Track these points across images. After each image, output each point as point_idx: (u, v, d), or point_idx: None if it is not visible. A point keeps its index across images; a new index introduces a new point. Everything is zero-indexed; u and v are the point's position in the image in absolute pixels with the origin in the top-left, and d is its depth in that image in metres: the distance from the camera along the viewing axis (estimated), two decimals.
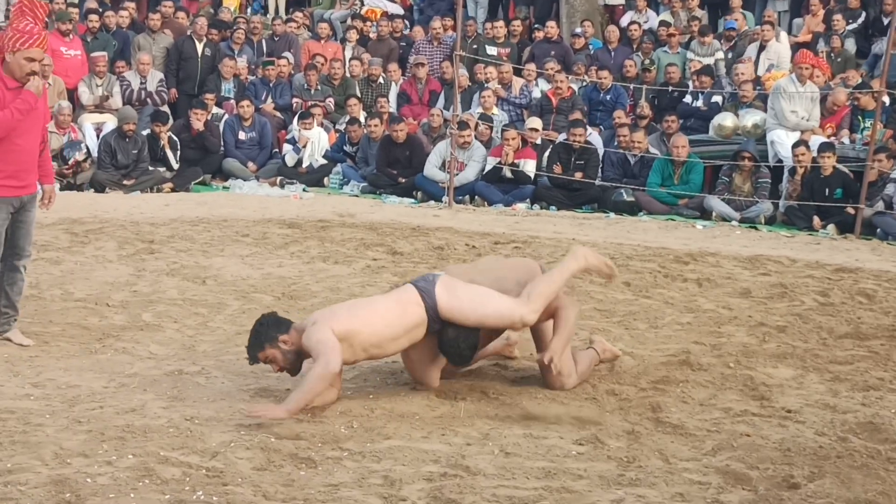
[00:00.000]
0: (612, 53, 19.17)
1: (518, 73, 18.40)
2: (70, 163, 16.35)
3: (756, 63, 18.05)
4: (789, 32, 19.51)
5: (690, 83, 17.72)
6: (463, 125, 16.27)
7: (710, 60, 18.31)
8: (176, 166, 16.93)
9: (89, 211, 13.91)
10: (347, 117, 17.97)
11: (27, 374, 7.14)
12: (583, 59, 18.90)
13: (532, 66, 18.18)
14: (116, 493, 5.09)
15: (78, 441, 5.79)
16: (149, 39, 19.03)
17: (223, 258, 11.09)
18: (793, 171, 15.08)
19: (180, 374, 7.27)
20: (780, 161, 15.58)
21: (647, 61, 18.41)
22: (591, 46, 19.66)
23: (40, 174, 8.12)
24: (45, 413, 6.31)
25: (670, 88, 17.59)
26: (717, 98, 17.20)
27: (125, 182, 16.24)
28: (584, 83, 18.21)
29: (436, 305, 6.67)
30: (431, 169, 16.29)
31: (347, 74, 19.20)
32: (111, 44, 19.03)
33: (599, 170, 16.17)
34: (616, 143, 16.37)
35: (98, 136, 17.22)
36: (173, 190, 16.50)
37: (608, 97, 17.83)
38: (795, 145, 15.07)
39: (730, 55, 18.49)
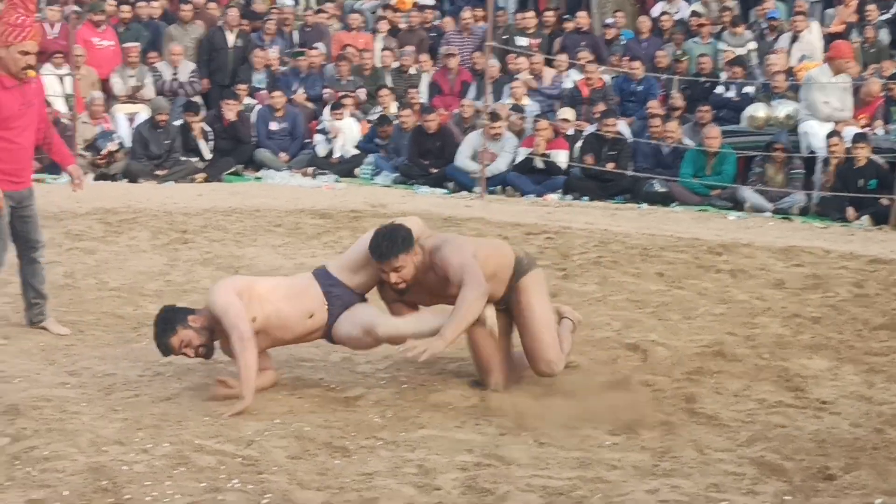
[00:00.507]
0: (644, 44, 19.09)
1: (549, 63, 18.36)
2: (103, 153, 16.43)
3: (788, 54, 17.95)
4: (822, 23, 19.38)
5: (723, 74, 17.63)
6: (495, 116, 16.26)
7: (742, 51, 18.21)
8: (208, 156, 16.99)
9: (123, 201, 13.98)
10: (379, 109, 17.99)
11: (63, 363, 7.19)
12: (619, 50, 18.85)
13: (564, 57, 18.14)
14: (153, 481, 5.12)
15: (114, 429, 5.82)
16: (180, 30, 19.08)
17: (256, 248, 11.13)
18: (826, 161, 15.01)
19: (215, 363, 7.29)
20: (813, 152, 15.49)
21: (678, 52, 18.33)
22: (622, 37, 19.59)
23: (59, 158, 8.23)
24: (81, 401, 6.34)
25: (702, 79, 17.51)
26: (749, 89, 17.11)
27: (158, 172, 16.31)
28: (616, 74, 18.16)
29: (325, 269, 6.76)
30: (463, 159, 16.29)
31: (378, 65, 19.20)
32: (143, 34, 19.09)
33: (631, 160, 16.13)
34: (647, 134, 16.32)
35: (131, 127, 17.30)
36: (206, 180, 16.56)
37: (639, 88, 17.78)
38: (828, 136, 14.98)
39: (775, 45, 18.32)
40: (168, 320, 6.58)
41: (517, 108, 17.00)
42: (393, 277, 6.53)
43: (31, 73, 7.59)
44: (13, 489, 5.00)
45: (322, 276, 6.73)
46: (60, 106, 17.22)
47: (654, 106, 16.85)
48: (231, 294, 6.49)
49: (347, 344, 6.77)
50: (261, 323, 6.56)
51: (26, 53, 7.45)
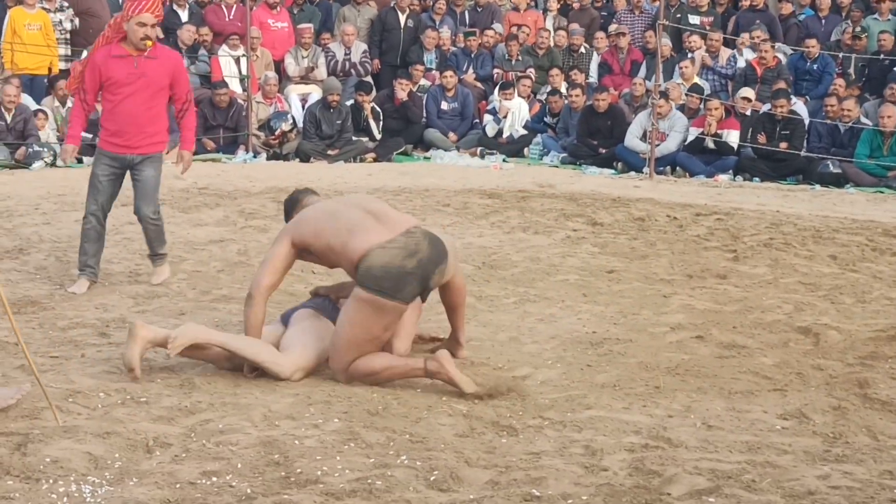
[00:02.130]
0: (823, 21, 18.70)
1: (723, 42, 18.11)
2: (276, 133, 16.74)
3: None
4: None
5: None
6: (664, 95, 16.10)
7: None
8: (378, 136, 17.17)
9: (295, 180, 14.19)
10: (549, 88, 17.97)
11: None
12: (794, 27, 18.48)
13: (746, 37, 17.85)
14: (323, 456, 5.21)
15: (286, 404, 5.93)
16: (354, 11, 19.30)
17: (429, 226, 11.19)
18: None
19: None
20: None
21: (857, 29, 17.89)
22: (797, 15, 19.17)
23: (182, 137, 8.93)
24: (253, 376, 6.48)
25: (881, 56, 17.08)
26: None
27: (329, 152, 16.55)
28: (790, 52, 17.82)
29: None
30: (632, 139, 16.18)
31: (551, 44, 19.14)
32: (316, 15, 19.36)
33: (805, 140, 15.83)
34: (823, 114, 15.98)
35: (303, 107, 17.58)
36: (376, 160, 16.74)
37: (815, 66, 17.42)
38: None
39: None
40: None
41: (696, 88, 16.80)
42: None
43: (149, 42, 8.29)
44: (189, 460, 5.14)
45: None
46: (235, 87, 17.57)
47: (839, 84, 16.47)
48: None
49: None
50: None
51: (143, 25, 8.21)
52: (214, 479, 4.93)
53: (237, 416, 5.74)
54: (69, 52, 17.54)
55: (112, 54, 8.34)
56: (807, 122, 16.04)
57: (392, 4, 19.35)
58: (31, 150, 15.32)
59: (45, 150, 15.50)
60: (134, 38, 8.27)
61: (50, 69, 17.26)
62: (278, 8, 18.80)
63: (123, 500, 4.69)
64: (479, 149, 17.35)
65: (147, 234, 8.84)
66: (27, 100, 16.16)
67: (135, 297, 8.41)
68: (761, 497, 4.84)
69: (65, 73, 17.26)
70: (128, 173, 8.66)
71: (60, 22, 17.44)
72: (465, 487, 4.93)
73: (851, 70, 17.11)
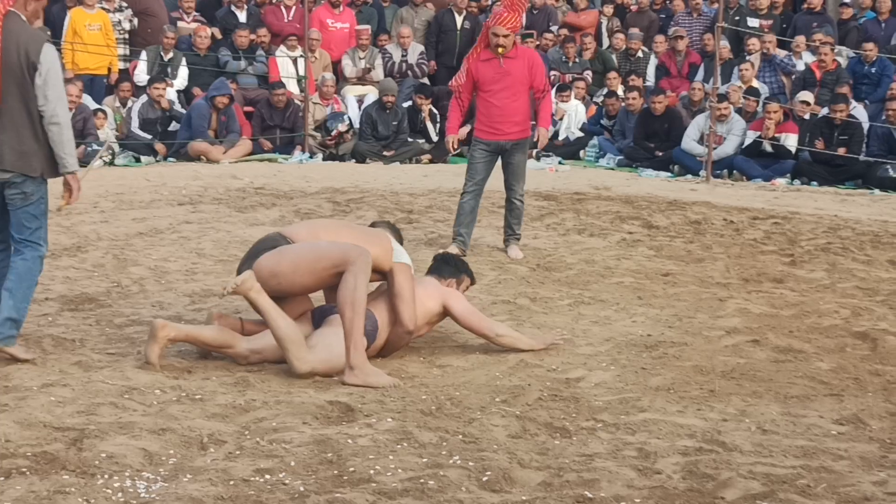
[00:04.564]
0: (883, 25, 18.52)
1: (780, 45, 17.97)
2: (333, 134, 16.79)
3: None
4: None
5: None
6: (722, 98, 16.01)
7: None
8: (435, 138, 17.18)
9: (350, 181, 14.26)
10: (605, 90, 17.92)
11: None
12: (854, 30, 18.32)
13: (802, 39, 17.72)
14: (376, 455, 5.22)
15: (339, 403, 5.95)
16: (411, 12, 19.34)
17: (480, 229, 11.17)
18: None
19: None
20: None
21: None
22: (858, 18, 19.00)
23: (538, 118, 10.35)
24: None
25: None
26: None
27: (385, 153, 16.58)
28: (850, 56, 17.67)
29: None
30: (689, 142, 16.10)
31: (604, 47, 19.07)
32: (374, 17, 19.40)
33: (864, 145, 15.68)
34: (884, 118, 15.82)
35: (360, 108, 17.62)
36: (431, 161, 16.74)
37: (873, 70, 17.26)
38: None
39: None
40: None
41: (752, 91, 16.69)
42: None
43: (501, 50, 9.89)
44: (243, 458, 5.17)
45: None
46: (293, 87, 17.65)
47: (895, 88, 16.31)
48: None
49: None
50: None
51: (496, 35, 9.90)
52: (268, 476, 4.96)
53: (291, 414, 5.76)
54: (128, 52, 17.71)
55: (481, 59, 10.09)
56: (866, 126, 15.88)
57: (449, 6, 19.35)
58: (89, 148, 15.44)
59: (104, 148, 15.62)
60: (491, 43, 9.98)
61: (110, 69, 17.39)
62: (341, 7, 18.83)
63: (177, 497, 4.72)
64: (534, 151, 17.31)
65: (511, 213, 10.28)
66: (86, 99, 16.28)
67: (191, 296, 8.46)
68: (816, 502, 4.81)
69: (125, 74, 17.44)
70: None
71: (119, 22, 17.61)
72: (517, 488, 4.93)
73: None
